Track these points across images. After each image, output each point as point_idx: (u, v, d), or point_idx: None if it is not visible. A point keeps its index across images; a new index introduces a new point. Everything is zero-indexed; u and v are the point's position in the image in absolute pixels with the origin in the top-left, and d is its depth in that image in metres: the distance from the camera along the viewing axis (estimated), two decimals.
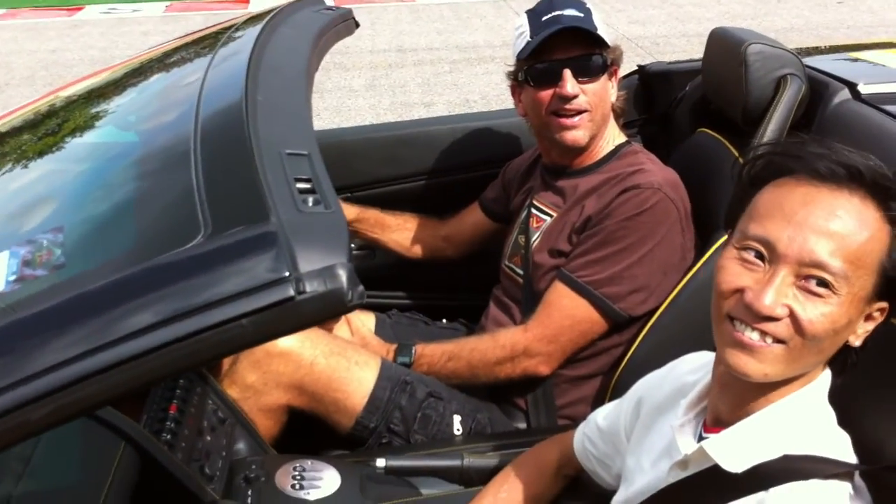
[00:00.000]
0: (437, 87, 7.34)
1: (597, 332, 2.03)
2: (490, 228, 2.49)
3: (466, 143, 2.71)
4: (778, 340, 1.18)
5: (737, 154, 2.09)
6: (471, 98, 6.98)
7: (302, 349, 2.02)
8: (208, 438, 1.86)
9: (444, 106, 6.80)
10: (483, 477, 1.85)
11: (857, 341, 1.23)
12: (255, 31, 1.65)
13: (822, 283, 1.15)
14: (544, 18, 2.03)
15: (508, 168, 2.47)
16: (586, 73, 2.04)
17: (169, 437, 1.74)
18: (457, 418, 2.09)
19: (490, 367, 2.08)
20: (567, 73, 2.03)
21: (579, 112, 2.06)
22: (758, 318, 1.17)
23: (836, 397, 1.28)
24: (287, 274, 0.92)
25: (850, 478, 1.22)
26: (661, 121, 2.62)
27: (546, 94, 2.07)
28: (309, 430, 2.14)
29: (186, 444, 1.77)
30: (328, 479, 1.87)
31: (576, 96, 2.04)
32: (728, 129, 2.22)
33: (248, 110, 1.25)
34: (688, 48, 7.82)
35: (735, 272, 1.21)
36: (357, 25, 2.05)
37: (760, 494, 1.21)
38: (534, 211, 2.20)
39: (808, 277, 1.16)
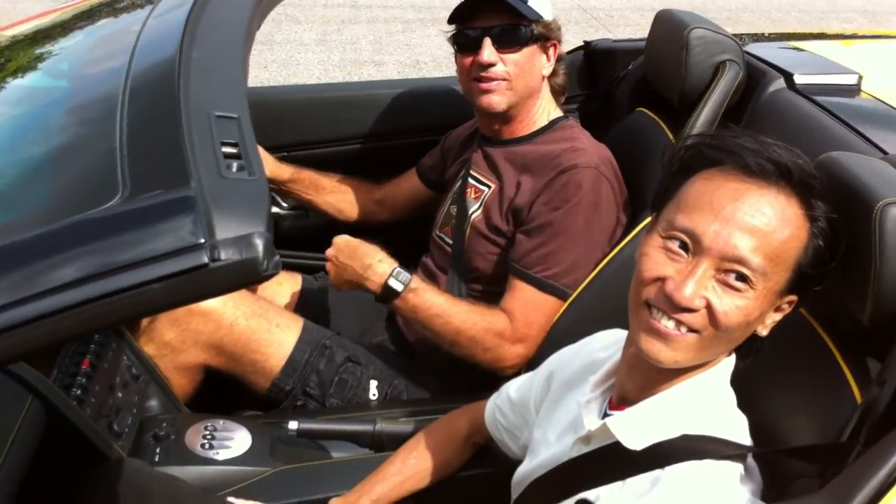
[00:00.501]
0: (389, 46, 7.27)
1: (548, 314, 2.00)
2: (425, 195, 2.48)
3: (408, 108, 2.69)
4: (692, 330, 1.20)
5: (671, 136, 2.10)
6: (421, 59, 6.92)
7: (223, 309, 2.00)
8: (120, 395, 1.84)
9: (395, 66, 6.74)
10: (395, 442, 1.86)
11: (764, 331, 1.26)
12: None
13: (741, 277, 1.17)
14: None
15: (448, 137, 2.45)
16: (508, 43, 2.03)
17: (79, 392, 1.72)
18: (373, 383, 2.09)
19: (472, 347, 2.00)
20: (487, 41, 2.03)
21: (497, 79, 2.06)
22: (676, 308, 1.19)
23: (737, 381, 1.31)
24: (202, 240, 0.91)
25: (743, 459, 1.26)
26: (603, 97, 2.61)
27: (468, 59, 2.07)
28: (224, 389, 2.13)
29: (96, 400, 1.75)
30: (239, 440, 1.86)
31: (493, 64, 2.04)
32: (665, 110, 2.23)
33: (181, 68, 1.21)
34: (641, 21, 7.83)
35: (659, 261, 1.22)
36: None
37: (657, 472, 1.24)
38: (471, 181, 2.19)
39: (727, 271, 1.18)
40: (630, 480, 1.26)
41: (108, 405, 1.78)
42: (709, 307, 1.18)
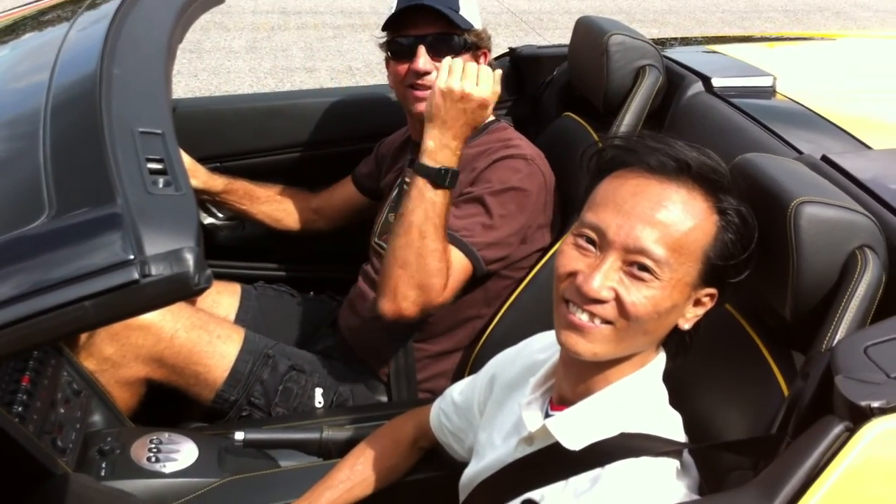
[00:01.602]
0: (321, 52, 7.26)
1: (461, 280, 1.99)
2: (361, 203, 2.50)
3: (341, 117, 2.71)
4: (606, 321, 1.25)
5: (597, 139, 2.15)
6: (354, 65, 6.93)
7: (162, 322, 2.01)
8: (62, 410, 1.84)
9: (327, 72, 6.74)
10: (342, 449, 1.88)
11: (686, 325, 1.31)
12: None
13: (645, 268, 1.23)
14: None
15: (382, 144, 2.48)
16: (441, 51, 2.07)
17: (20, 409, 1.71)
18: (318, 391, 2.12)
19: (420, 266, 1.90)
20: (421, 49, 2.07)
21: (432, 87, 2.06)
22: (586, 300, 1.25)
23: (669, 379, 1.37)
24: (132, 257, 0.93)
25: (679, 455, 1.31)
26: (531, 103, 2.67)
27: (403, 67, 2.11)
28: (168, 402, 2.13)
29: (38, 417, 1.74)
30: (185, 452, 1.87)
31: (428, 72, 2.08)
32: (591, 114, 2.30)
33: (102, 84, 1.23)
34: (570, 24, 7.89)
35: (571, 256, 1.29)
36: None
37: (597, 471, 1.29)
38: (405, 188, 2.22)
39: (632, 263, 1.24)
40: (572, 479, 1.30)
41: (51, 421, 1.78)
42: (618, 298, 1.24)
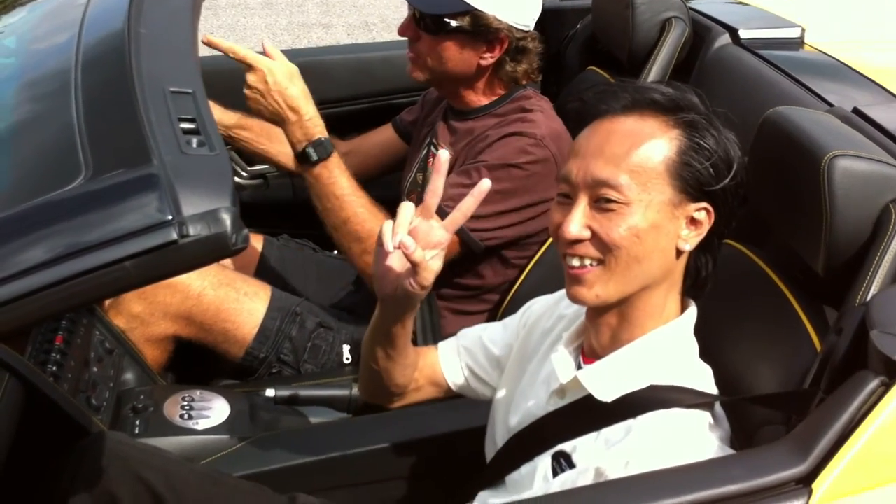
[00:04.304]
0: (336, 7, 7.20)
1: (452, 253, 1.98)
2: (398, 149, 2.44)
3: (358, 75, 2.69)
4: (595, 261, 1.30)
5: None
6: (370, 20, 6.87)
7: (189, 280, 2.03)
8: (95, 369, 1.86)
9: (343, 28, 6.69)
10: (370, 405, 1.89)
11: (687, 245, 1.31)
12: None
13: (610, 199, 1.28)
14: None
15: (428, 93, 2.43)
16: (421, 28, 2.04)
17: (54, 368, 1.74)
18: (346, 347, 2.14)
19: (351, 242, 2.00)
20: (410, 14, 2.06)
21: (413, 54, 2.09)
22: (570, 243, 1.31)
23: (700, 333, 1.37)
24: (170, 217, 0.94)
25: (711, 408, 1.33)
26: (554, 57, 2.64)
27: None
28: (198, 360, 2.16)
29: (73, 376, 1.77)
30: (217, 409, 1.90)
31: (406, 38, 2.09)
32: (616, 67, 2.29)
33: (131, 44, 1.23)
34: None
35: (555, 212, 1.35)
36: None
37: (629, 422, 1.30)
38: (432, 149, 2.22)
39: (599, 199, 1.29)
40: (604, 431, 1.32)
41: (85, 380, 1.81)
42: (595, 233, 1.29)
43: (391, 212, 2.26)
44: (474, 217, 1.89)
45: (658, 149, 1.29)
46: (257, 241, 2.43)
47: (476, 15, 2.01)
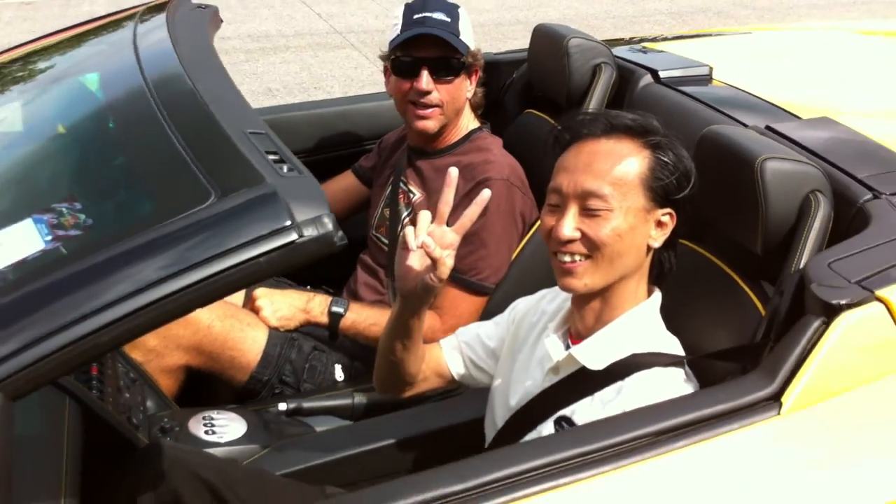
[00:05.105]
0: (237, 76, 7.36)
1: (478, 310, 2.33)
2: (360, 194, 2.73)
3: (318, 129, 2.94)
4: (583, 256, 1.62)
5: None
6: (272, 87, 7.11)
7: (199, 314, 2.24)
8: (127, 395, 2.06)
9: (248, 94, 6.65)
10: (370, 411, 2.18)
11: (656, 243, 1.65)
12: (161, 23, 1.88)
13: (596, 206, 1.60)
14: (415, 17, 2.33)
15: (383, 140, 2.74)
16: (442, 73, 2.35)
17: (98, 393, 1.93)
18: (338, 367, 2.39)
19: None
20: (424, 71, 2.34)
21: (432, 105, 2.38)
22: (563, 243, 1.62)
23: (664, 312, 1.70)
24: (289, 223, 1.20)
25: (683, 366, 1.64)
26: (494, 104, 2.97)
27: (406, 84, 2.38)
28: (201, 386, 2.37)
29: (113, 400, 1.96)
30: (235, 425, 2.12)
31: (430, 92, 2.36)
32: (552, 108, 2.62)
33: (203, 97, 1.49)
34: (479, 35, 8.25)
35: (546, 218, 1.67)
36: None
37: (618, 383, 1.61)
38: (401, 187, 2.50)
39: (586, 206, 1.61)
40: (598, 394, 1.62)
41: (122, 403, 2.00)
42: (584, 234, 1.60)
43: (359, 249, 2.58)
44: (493, 272, 2.26)
45: (634, 166, 1.61)
46: None
47: (472, 51, 2.38)
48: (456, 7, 2.41)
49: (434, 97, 2.36)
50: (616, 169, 1.60)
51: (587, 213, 1.61)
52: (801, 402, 1.39)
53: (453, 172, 1.64)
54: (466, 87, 2.44)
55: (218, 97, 1.53)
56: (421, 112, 2.38)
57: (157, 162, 1.41)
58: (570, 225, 1.61)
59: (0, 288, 1.20)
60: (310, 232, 1.21)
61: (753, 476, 1.35)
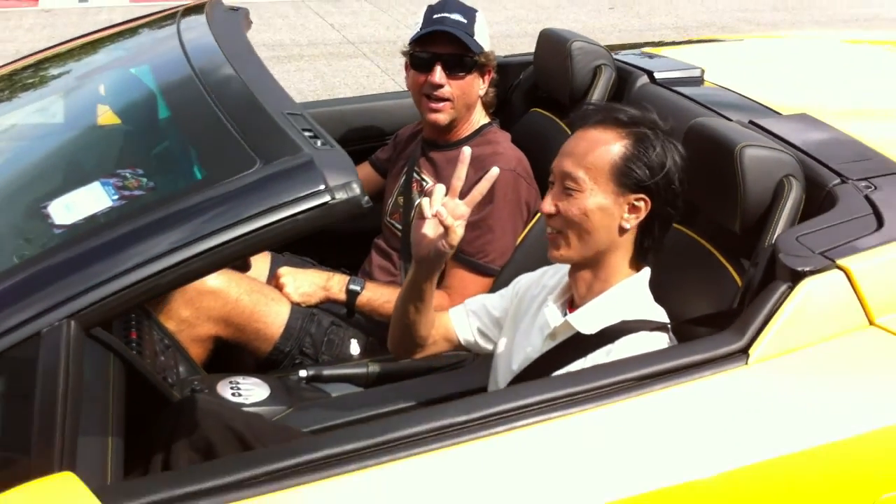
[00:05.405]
0: None
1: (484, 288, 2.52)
2: (377, 185, 2.92)
3: (339, 125, 3.12)
4: (559, 230, 1.83)
5: (565, 126, 2.68)
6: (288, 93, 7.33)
7: (228, 288, 2.44)
8: (162, 358, 2.25)
9: None
10: (382, 379, 2.37)
11: (627, 224, 1.81)
12: (202, 22, 2.08)
13: (571, 187, 1.80)
14: (434, 16, 2.55)
15: (398, 134, 2.93)
16: (455, 69, 2.55)
17: (137, 355, 2.12)
18: (354, 341, 2.58)
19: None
20: (438, 66, 2.54)
21: (444, 99, 2.57)
22: (547, 216, 1.84)
23: (653, 287, 1.88)
24: (323, 187, 1.39)
25: (667, 331, 1.83)
26: (502, 103, 3.16)
27: (421, 78, 2.58)
28: (228, 356, 2.55)
29: (151, 360, 2.15)
30: (259, 389, 2.30)
31: (442, 86, 2.55)
32: (556, 107, 2.82)
33: (246, 83, 1.69)
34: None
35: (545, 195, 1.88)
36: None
37: (608, 346, 1.80)
38: (415, 176, 2.70)
39: (565, 186, 1.81)
40: (590, 356, 1.81)
41: (158, 364, 2.19)
42: (559, 210, 1.81)
43: (366, 237, 2.76)
44: (499, 255, 2.45)
45: (608, 153, 1.79)
46: (265, 258, 2.82)
47: (485, 52, 2.56)
48: (474, 11, 2.61)
49: (446, 91, 2.55)
50: (591, 154, 1.80)
51: (565, 192, 1.81)
52: (765, 354, 1.58)
53: (467, 151, 1.83)
54: (478, 85, 2.62)
55: (259, 83, 1.73)
56: (433, 105, 2.57)
57: (208, 136, 1.60)
58: (549, 201, 1.83)
59: (74, 237, 1.40)
60: (341, 195, 1.40)
61: (722, 415, 1.55)
